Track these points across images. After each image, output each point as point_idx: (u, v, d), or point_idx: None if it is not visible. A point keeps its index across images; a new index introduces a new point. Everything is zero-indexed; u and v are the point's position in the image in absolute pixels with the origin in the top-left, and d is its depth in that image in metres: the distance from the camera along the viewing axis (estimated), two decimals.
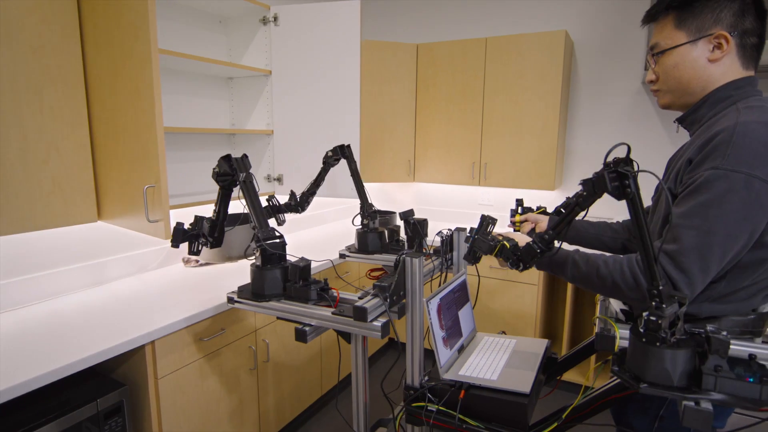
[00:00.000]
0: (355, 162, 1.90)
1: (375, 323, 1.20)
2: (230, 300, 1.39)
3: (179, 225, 1.33)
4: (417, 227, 1.55)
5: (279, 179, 2.34)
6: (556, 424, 1.15)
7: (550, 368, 1.39)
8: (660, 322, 0.81)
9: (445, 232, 1.63)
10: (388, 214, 3.36)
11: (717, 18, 0.96)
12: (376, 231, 1.86)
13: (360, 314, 1.19)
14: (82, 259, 1.82)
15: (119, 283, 1.93)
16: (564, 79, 2.72)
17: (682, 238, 0.89)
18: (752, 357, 0.85)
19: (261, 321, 1.99)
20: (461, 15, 3.24)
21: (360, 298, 1.33)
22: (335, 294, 1.33)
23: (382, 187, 3.75)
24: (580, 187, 0.93)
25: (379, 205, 3.68)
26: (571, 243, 1.43)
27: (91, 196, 1.54)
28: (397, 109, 3.08)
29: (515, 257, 1.06)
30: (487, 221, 1.17)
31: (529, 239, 1.10)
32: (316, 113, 2.26)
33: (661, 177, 1.08)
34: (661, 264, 0.91)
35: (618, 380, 1.05)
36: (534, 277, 2.65)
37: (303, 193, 1.81)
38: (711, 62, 0.99)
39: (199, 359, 1.68)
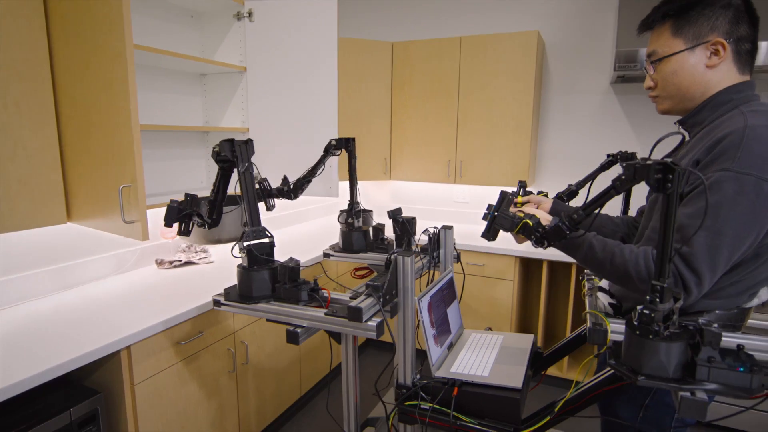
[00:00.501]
0: (355, 158, 1.88)
1: (370, 323, 1.19)
2: (217, 303, 1.35)
3: (173, 202, 1.28)
4: (406, 226, 1.55)
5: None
6: (548, 418, 1.17)
7: (536, 363, 1.42)
8: (653, 315, 0.84)
9: (431, 230, 1.64)
10: (365, 213, 3.36)
11: (713, 25, 1.00)
12: (361, 230, 1.85)
13: (355, 314, 1.19)
14: (50, 263, 1.73)
15: (90, 287, 1.85)
16: (536, 79, 2.78)
17: (693, 239, 0.91)
18: (740, 347, 0.89)
19: (240, 323, 1.95)
20: (436, 14, 3.26)
21: (352, 298, 1.33)
22: (326, 294, 1.32)
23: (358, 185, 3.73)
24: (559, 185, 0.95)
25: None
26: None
27: (59, 197, 1.47)
28: (373, 107, 3.08)
29: (539, 234, 1.06)
30: (507, 197, 1.16)
31: (548, 216, 1.12)
32: (292, 111, 2.23)
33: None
34: (674, 263, 0.93)
35: (609, 373, 1.08)
36: (510, 272, 2.70)
37: (298, 180, 1.74)
38: (709, 68, 1.02)
39: (177, 363, 1.64)
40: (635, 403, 1.14)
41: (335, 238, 2.94)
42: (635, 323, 0.87)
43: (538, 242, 1.07)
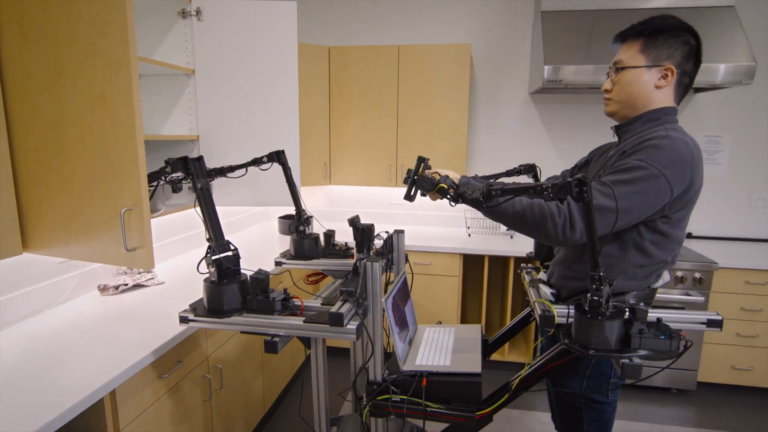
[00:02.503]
0: (290, 168, 1.87)
1: (350, 326, 1.26)
2: (184, 320, 1.30)
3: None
4: (366, 232, 1.59)
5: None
6: (507, 396, 1.32)
7: (483, 350, 1.57)
8: (600, 300, 1.03)
9: (383, 234, 1.72)
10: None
11: (671, 54, 1.21)
12: (312, 237, 1.86)
13: (336, 320, 1.25)
14: None
15: (29, 325, 1.58)
16: (470, 88, 2.99)
17: (594, 196, 1.11)
18: (659, 320, 1.12)
19: (212, 346, 1.82)
20: (372, 22, 3.32)
21: (325, 304, 1.40)
22: (299, 303, 1.36)
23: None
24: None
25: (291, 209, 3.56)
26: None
27: (14, 224, 1.23)
28: (311, 111, 3.04)
29: (455, 193, 1.20)
30: (424, 161, 1.28)
31: (457, 175, 1.33)
32: (249, 118, 2.13)
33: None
34: (568, 202, 1.14)
35: (557, 351, 1.27)
36: (455, 269, 2.88)
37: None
38: (656, 88, 1.24)
39: (161, 397, 1.50)
40: (579, 375, 1.35)
41: (273, 245, 2.86)
42: (586, 308, 1.06)
43: (453, 200, 1.21)
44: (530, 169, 1.72)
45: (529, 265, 1.68)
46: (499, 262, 3.24)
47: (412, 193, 1.24)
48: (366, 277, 1.36)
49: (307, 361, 3.19)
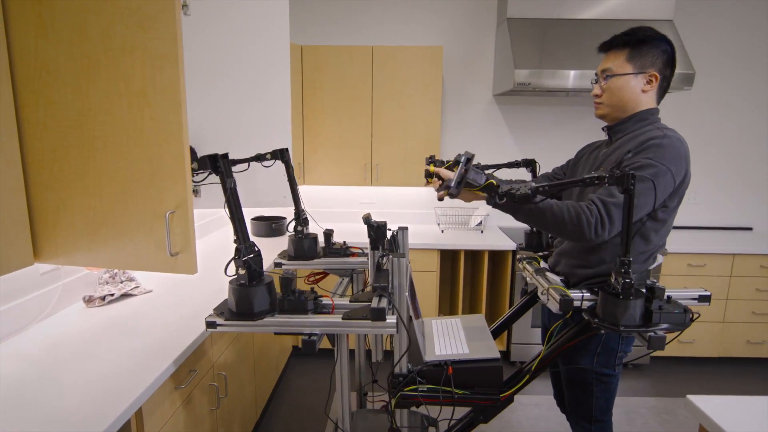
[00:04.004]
0: (292, 167, 1.86)
1: (389, 320, 1.30)
2: (212, 325, 1.27)
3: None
4: (381, 229, 1.63)
5: (196, 191, 2.04)
6: (527, 377, 1.43)
7: None
8: (632, 282, 1.16)
9: (389, 232, 1.78)
10: (279, 220, 3.25)
11: (654, 62, 1.37)
12: (310, 237, 1.86)
13: (378, 315, 1.29)
14: None
15: (14, 344, 1.43)
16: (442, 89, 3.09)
17: (615, 195, 1.26)
18: (669, 297, 1.28)
19: (216, 353, 1.76)
20: (344, 21, 3.32)
21: (352, 301, 1.43)
22: (329, 302, 1.39)
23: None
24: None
25: (265, 210, 3.47)
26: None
27: (24, 232, 1.11)
28: None
29: (503, 191, 1.24)
30: (471, 157, 1.29)
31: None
32: (239, 116, 2.06)
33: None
34: (596, 204, 1.26)
35: (573, 331, 1.41)
36: (434, 264, 2.97)
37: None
38: (642, 92, 1.40)
39: (177, 409, 1.43)
40: (590, 351, 1.49)
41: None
42: (612, 290, 1.18)
43: (498, 198, 1.25)
44: (529, 164, 1.83)
45: (527, 255, 1.79)
46: (469, 256, 3.38)
47: (459, 188, 1.25)
48: (394, 272, 1.39)
49: (292, 362, 3.14)
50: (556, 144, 3.45)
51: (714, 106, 3.34)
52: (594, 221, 1.24)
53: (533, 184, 1.25)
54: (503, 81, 3.04)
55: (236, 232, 1.29)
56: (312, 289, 1.46)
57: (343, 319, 1.31)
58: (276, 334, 1.38)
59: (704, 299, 1.41)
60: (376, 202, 3.59)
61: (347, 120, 3.10)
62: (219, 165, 1.23)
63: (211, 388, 1.72)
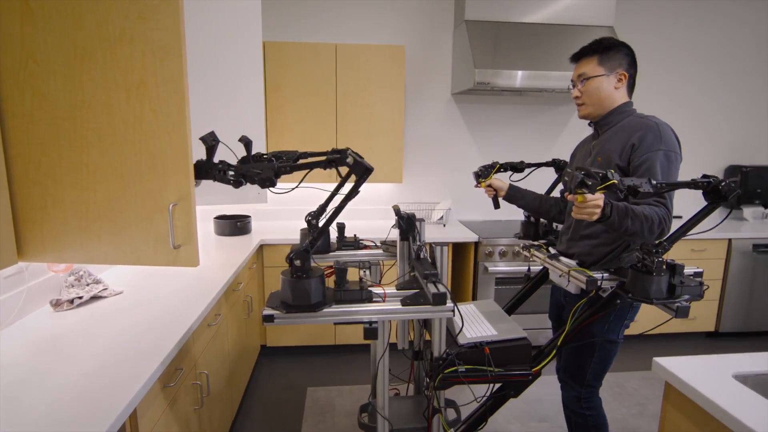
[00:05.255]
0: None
1: (448, 305, 1.34)
2: (269, 319, 1.27)
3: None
4: (411, 220, 1.68)
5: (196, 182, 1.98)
6: (554, 351, 1.56)
7: None
8: (664, 261, 1.32)
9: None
10: (243, 219, 3.21)
11: (620, 63, 1.60)
12: (325, 232, 1.89)
13: (440, 299, 1.34)
14: None
15: None
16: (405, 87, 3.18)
17: (668, 206, 1.44)
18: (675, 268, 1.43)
19: (197, 352, 1.73)
20: (307, 18, 3.31)
21: (399, 289, 1.47)
22: (380, 291, 1.40)
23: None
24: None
25: (225, 209, 3.40)
26: (520, 207, 1.95)
27: (7, 229, 1.05)
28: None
29: (626, 189, 1.26)
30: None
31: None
32: (209, 121, 2.02)
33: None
34: (662, 204, 1.44)
35: (594, 306, 1.52)
36: None
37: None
38: (615, 89, 1.62)
39: (165, 409, 1.40)
40: (602, 321, 1.63)
41: (210, 248, 2.75)
42: (647, 267, 1.32)
43: (615, 198, 1.29)
44: (557, 164, 1.97)
45: (531, 244, 1.91)
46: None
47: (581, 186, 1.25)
48: (436, 260, 1.52)
49: (261, 361, 3.10)
50: (509, 141, 3.65)
51: (648, 105, 3.67)
52: (666, 219, 1.41)
53: (650, 182, 1.29)
54: (462, 80, 3.17)
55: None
56: (360, 279, 1.50)
57: (403, 305, 1.37)
58: (335, 324, 1.41)
59: (698, 275, 1.58)
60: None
61: (311, 117, 3.11)
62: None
63: (195, 387, 1.69)
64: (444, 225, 3.44)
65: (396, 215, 1.69)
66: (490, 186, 1.87)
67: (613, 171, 1.24)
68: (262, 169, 1.28)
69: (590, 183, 1.23)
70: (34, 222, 1.10)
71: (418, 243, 1.60)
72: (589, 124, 1.72)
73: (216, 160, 1.28)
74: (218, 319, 1.99)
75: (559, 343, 1.57)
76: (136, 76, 1.02)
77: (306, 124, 3.11)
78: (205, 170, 1.20)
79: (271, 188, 1.34)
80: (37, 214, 1.10)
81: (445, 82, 3.53)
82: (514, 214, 3.60)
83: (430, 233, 3.14)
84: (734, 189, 1.26)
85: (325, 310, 1.33)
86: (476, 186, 1.91)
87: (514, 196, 1.91)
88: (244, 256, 2.51)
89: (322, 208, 1.46)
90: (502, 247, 3.10)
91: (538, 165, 1.99)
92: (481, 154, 3.65)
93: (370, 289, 1.42)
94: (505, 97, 3.57)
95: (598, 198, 1.29)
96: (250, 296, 2.72)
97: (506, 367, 1.56)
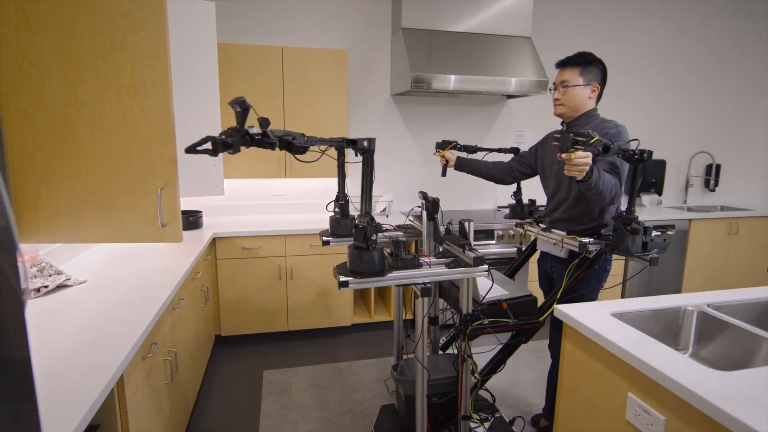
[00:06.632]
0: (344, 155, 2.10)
1: (484, 266, 1.64)
2: (344, 284, 1.48)
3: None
4: (436, 204, 1.92)
5: None
6: (554, 304, 1.89)
7: None
8: (638, 225, 1.67)
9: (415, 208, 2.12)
10: (195, 213, 3.33)
11: (596, 77, 1.97)
12: (349, 217, 2.10)
13: (479, 261, 1.63)
14: None
15: None
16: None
17: (619, 166, 1.79)
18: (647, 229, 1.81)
19: (166, 331, 1.88)
20: (255, 20, 3.45)
21: (438, 257, 1.76)
22: (426, 259, 1.69)
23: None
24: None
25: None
26: (471, 173, 2.36)
27: None
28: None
29: (604, 145, 1.54)
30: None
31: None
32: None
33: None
34: (616, 174, 1.79)
35: (583, 263, 1.93)
36: (344, 247, 3.29)
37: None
38: (589, 98, 1.98)
39: (142, 382, 1.56)
40: (586, 280, 2.01)
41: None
42: (634, 230, 1.68)
43: (600, 150, 1.54)
44: (515, 150, 2.38)
45: (524, 221, 2.30)
46: None
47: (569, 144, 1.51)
48: (465, 233, 1.78)
49: (216, 352, 3.22)
50: (444, 137, 4.00)
51: None
52: (620, 187, 1.78)
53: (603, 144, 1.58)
54: (400, 82, 3.47)
55: (364, 200, 1.53)
56: (408, 250, 1.71)
57: (448, 268, 1.63)
58: (397, 286, 1.68)
59: (660, 235, 1.97)
60: (287, 194, 3.80)
61: (261, 116, 3.26)
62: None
63: (165, 363, 1.84)
64: (387, 216, 3.73)
65: (423, 200, 1.93)
66: (443, 156, 2.30)
67: (591, 132, 1.52)
68: (295, 136, 1.39)
69: (581, 140, 1.48)
70: (29, 207, 1.23)
71: (446, 221, 1.89)
72: (561, 124, 2.10)
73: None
74: (182, 303, 2.13)
75: (557, 297, 1.92)
76: (126, 79, 1.19)
77: (256, 122, 3.26)
78: (245, 136, 1.28)
79: (296, 155, 1.45)
80: (31, 200, 1.23)
81: (384, 84, 3.82)
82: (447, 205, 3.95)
83: None
84: (650, 155, 1.64)
85: (391, 274, 1.55)
86: (434, 153, 2.39)
87: (462, 165, 2.36)
88: (200, 248, 2.64)
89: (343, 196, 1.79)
90: None
91: (490, 150, 2.34)
92: (419, 150, 3.98)
93: (422, 257, 1.68)
94: (440, 98, 3.92)
95: (587, 155, 1.50)
96: (207, 286, 2.85)
97: (519, 318, 1.87)
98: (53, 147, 1.21)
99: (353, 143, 1.55)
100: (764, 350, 1.45)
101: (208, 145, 1.14)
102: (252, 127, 1.27)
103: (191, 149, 1.18)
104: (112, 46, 1.18)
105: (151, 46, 1.17)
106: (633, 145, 1.71)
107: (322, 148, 1.61)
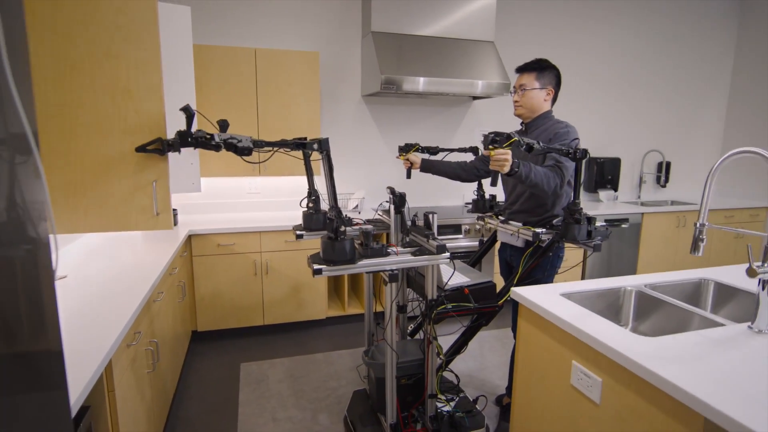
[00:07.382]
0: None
1: (446, 253, 1.81)
2: (318, 272, 1.61)
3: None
4: (403, 198, 2.06)
5: None
6: (511, 288, 2.05)
7: None
8: (583, 215, 1.86)
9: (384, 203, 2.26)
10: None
11: (551, 81, 2.16)
12: (321, 212, 2.21)
13: (442, 249, 1.79)
14: None
15: None
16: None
17: (564, 162, 1.95)
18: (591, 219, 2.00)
19: (148, 322, 1.97)
20: (228, 21, 3.52)
21: (405, 247, 1.89)
22: (394, 249, 1.83)
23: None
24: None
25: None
26: (437, 174, 2.51)
27: None
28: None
29: (528, 145, 1.74)
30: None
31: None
32: None
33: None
34: (558, 169, 1.94)
35: (537, 250, 2.09)
36: (317, 243, 3.42)
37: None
38: (544, 100, 2.17)
39: (127, 369, 1.65)
40: (542, 267, 2.19)
41: (148, 235, 2.92)
42: (577, 220, 1.86)
43: (526, 149, 1.74)
44: (474, 150, 2.52)
45: (484, 215, 2.46)
46: None
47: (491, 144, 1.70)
48: (429, 224, 1.93)
49: (192, 347, 3.29)
50: (412, 137, 4.18)
51: None
52: (560, 180, 1.92)
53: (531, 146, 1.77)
54: (370, 84, 3.62)
55: (330, 198, 1.65)
56: (378, 241, 1.83)
57: (413, 255, 1.77)
58: (367, 273, 1.81)
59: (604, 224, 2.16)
60: (261, 192, 3.89)
61: (235, 116, 3.36)
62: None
63: (147, 353, 1.93)
64: (359, 212, 3.87)
65: (391, 194, 2.07)
66: (407, 159, 2.43)
67: (514, 134, 1.71)
68: (241, 139, 1.55)
69: (498, 139, 1.69)
70: None
71: (410, 216, 2.04)
72: (521, 124, 2.29)
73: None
74: (161, 296, 2.21)
75: (514, 282, 2.09)
76: (121, 84, 1.30)
77: (231, 121, 3.34)
78: (187, 138, 1.40)
79: (243, 157, 1.59)
80: None
81: (355, 85, 3.96)
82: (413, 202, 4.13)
83: None
84: (585, 153, 1.84)
85: (360, 262, 1.68)
86: (397, 157, 2.48)
87: (427, 167, 2.50)
88: (176, 245, 2.72)
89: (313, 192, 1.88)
90: None
91: (451, 150, 2.51)
92: (390, 149, 4.14)
93: (390, 246, 1.82)
94: (409, 99, 4.09)
95: (505, 152, 1.70)
96: (183, 282, 2.92)
97: (480, 303, 2.03)
98: (48, 145, 1.30)
99: (302, 145, 1.68)
100: (694, 323, 1.67)
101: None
102: (200, 131, 1.41)
103: (141, 148, 1.34)
104: (107, 54, 1.27)
105: (145, 55, 1.28)
106: (575, 145, 1.92)
107: (277, 147, 1.73)
